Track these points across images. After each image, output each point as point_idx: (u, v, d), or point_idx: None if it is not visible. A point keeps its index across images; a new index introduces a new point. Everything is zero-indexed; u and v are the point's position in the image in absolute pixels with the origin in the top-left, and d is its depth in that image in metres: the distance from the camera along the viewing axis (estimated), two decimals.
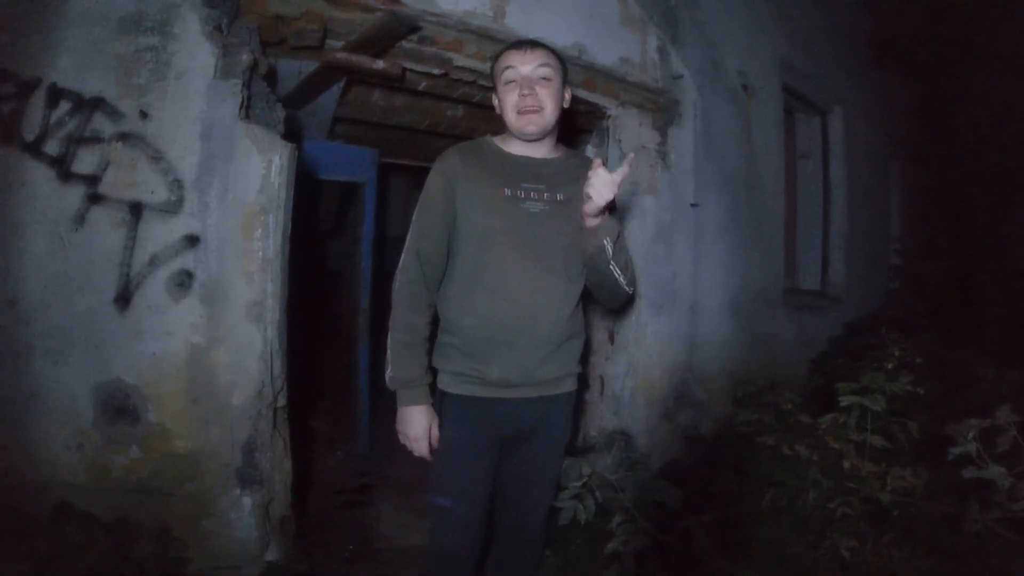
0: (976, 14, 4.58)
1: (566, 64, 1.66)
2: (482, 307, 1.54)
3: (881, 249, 4.99)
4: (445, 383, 1.62)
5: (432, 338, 1.66)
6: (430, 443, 1.63)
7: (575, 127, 3.03)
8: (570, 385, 1.68)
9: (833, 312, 4.23)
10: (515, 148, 1.62)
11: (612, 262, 1.53)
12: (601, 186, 1.41)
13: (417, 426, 1.61)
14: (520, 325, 1.53)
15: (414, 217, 1.61)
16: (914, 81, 5.11)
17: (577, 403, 1.83)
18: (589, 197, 1.43)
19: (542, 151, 1.63)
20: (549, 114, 1.55)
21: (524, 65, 1.54)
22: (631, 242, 1.72)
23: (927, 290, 4.75)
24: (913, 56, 4.92)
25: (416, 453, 1.64)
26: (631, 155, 1.53)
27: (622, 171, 1.44)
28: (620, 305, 1.71)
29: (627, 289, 1.60)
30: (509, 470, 1.66)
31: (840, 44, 4.44)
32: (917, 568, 1.76)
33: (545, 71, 1.54)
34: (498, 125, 1.67)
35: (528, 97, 1.52)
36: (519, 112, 1.54)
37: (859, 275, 4.52)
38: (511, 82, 1.55)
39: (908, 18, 4.75)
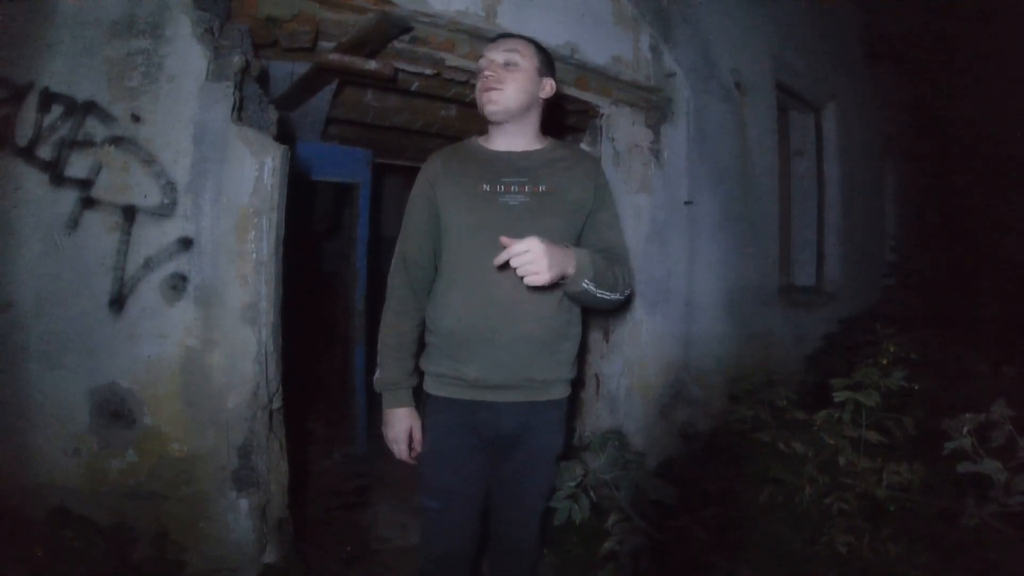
0: (968, 11, 4.59)
1: (551, 58, 1.66)
2: (460, 305, 1.52)
3: (876, 245, 5.00)
4: (428, 384, 1.62)
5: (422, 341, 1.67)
6: (412, 445, 1.65)
7: (569, 126, 3.03)
8: (560, 392, 1.62)
9: (828, 308, 4.23)
10: (497, 144, 1.62)
11: (599, 292, 1.46)
12: (532, 266, 1.30)
13: (397, 428, 1.64)
14: (499, 321, 1.49)
15: (402, 223, 1.63)
16: (908, 77, 5.12)
17: (573, 402, 1.83)
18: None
19: (523, 143, 1.61)
20: (510, 94, 1.54)
21: (493, 52, 1.57)
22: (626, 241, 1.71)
23: (922, 286, 4.76)
24: (907, 52, 4.93)
25: (396, 455, 1.66)
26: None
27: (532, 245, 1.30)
28: (619, 307, 1.68)
29: (621, 297, 1.54)
30: (498, 480, 1.63)
31: (833, 41, 4.45)
32: (914, 563, 1.77)
33: (511, 56, 1.55)
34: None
35: (489, 78, 1.54)
36: (480, 91, 1.57)
37: (854, 271, 4.53)
38: (482, 70, 1.58)
39: (901, 15, 4.76)
